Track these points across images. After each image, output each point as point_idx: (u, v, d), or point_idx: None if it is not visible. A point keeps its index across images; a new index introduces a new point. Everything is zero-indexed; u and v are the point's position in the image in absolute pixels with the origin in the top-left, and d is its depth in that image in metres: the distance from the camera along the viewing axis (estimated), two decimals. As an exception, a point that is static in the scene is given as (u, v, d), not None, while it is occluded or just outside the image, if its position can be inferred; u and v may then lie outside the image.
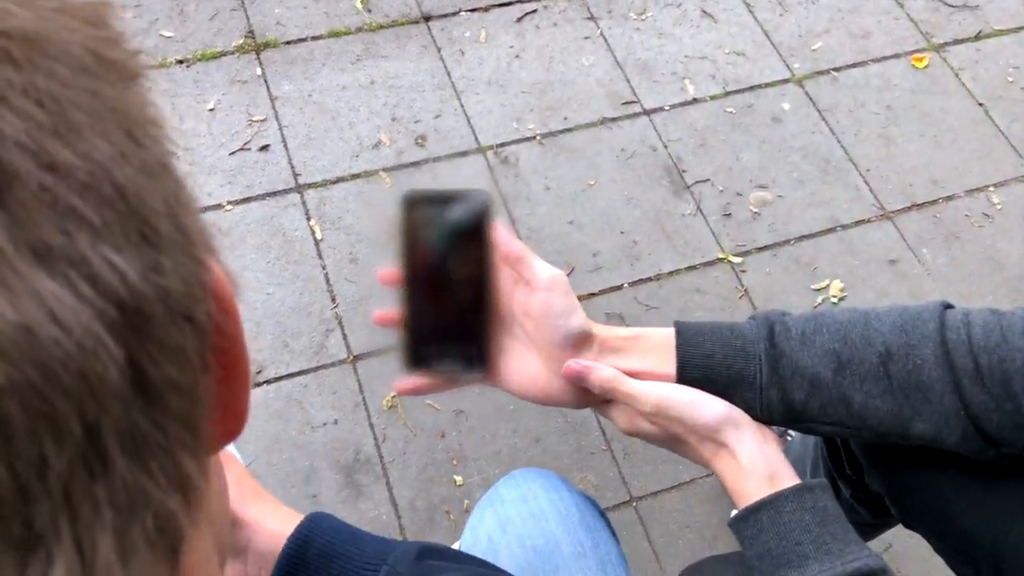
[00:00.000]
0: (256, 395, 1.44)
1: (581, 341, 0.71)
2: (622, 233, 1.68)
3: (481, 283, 0.68)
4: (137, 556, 0.22)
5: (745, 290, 1.63)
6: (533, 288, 0.70)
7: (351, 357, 1.48)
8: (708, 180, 1.76)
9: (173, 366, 0.23)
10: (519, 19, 1.94)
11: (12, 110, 0.21)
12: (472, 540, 0.83)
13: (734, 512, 0.70)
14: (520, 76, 1.86)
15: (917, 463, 0.78)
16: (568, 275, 1.58)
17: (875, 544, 1.30)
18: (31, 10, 0.23)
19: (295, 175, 1.68)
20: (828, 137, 1.85)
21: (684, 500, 1.42)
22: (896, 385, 0.68)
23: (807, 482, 0.69)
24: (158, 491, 0.23)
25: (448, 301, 0.69)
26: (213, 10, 1.86)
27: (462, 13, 1.92)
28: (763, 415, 0.71)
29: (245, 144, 1.70)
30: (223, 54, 1.82)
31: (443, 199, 0.67)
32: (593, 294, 1.60)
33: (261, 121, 1.74)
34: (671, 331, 0.72)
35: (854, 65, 1.96)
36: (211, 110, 1.74)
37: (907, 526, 0.86)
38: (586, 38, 1.93)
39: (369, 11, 1.91)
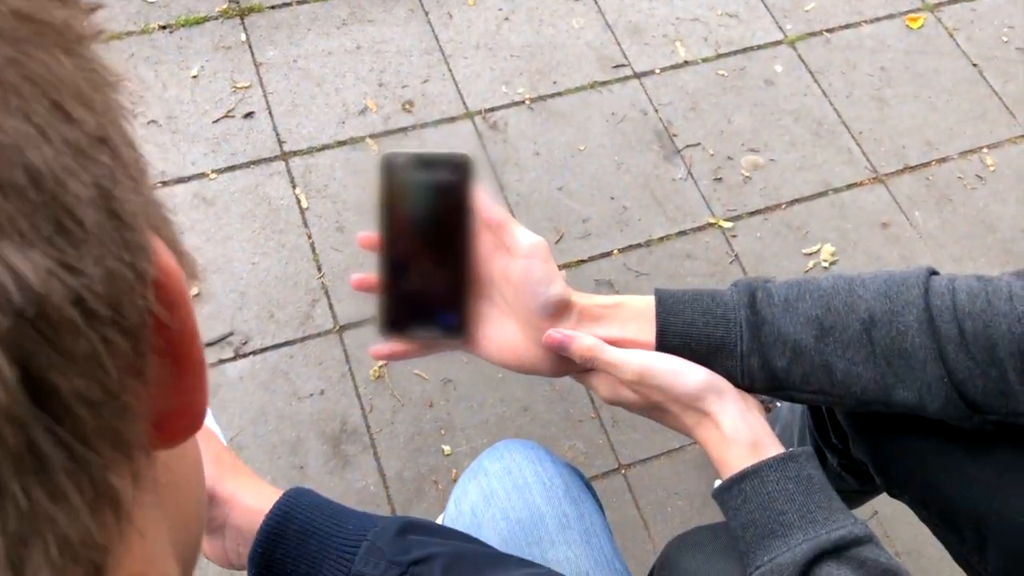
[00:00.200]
0: (242, 366, 1.43)
1: (560, 309, 0.70)
2: (612, 198, 1.66)
3: (461, 248, 0.68)
4: None
5: (736, 255, 1.62)
6: (513, 255, 0.69)
7: (337, 327, 1.47)
8: (699, 144, 1.74)
9: (85, 377, 0.21)
10: (507, -19, 1.91)
11: None
12: (456, 512, 0.83)
13: (717, 482, 0.70)
14: (509, 39, 1.83)
15: (901, 431, 0.77)
16: (557, 242, 1.58)
17: (862, 510, 1.30)
18: None
19: (280, 142, 1.65)
20: (820, 99, 1.82)
21: (673, 467, 1.42)
22: (879, 352, 0.67)
23: (791, 451, 0.68)
24: (66, 513, 0.20)
25: (427, 266, 0.68)
26: (194, -26, 1.83)
27: (449, -25, 1.89)
28: (744, 383, 0.70)
29: (229, 111, 1.68)
30: (207, 19, 1.78)
31: (425, 161, 0.66)
32: (583, 260, 1.59)
33: (245, 88, 1.71)
34: (651, 299, 0.72)
35: (847, 26, 1.93)
36: (194, 77, 1.71)
37: (892, 494, 0.86)
38: (576, 0, 1.90)
39: (354, -26, 1.87)
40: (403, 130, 1.69)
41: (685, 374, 0.69)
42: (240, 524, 0.65)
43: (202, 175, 1.60)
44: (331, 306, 1.49)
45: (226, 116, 1.67)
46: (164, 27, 1.76)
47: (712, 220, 1.66)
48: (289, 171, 1.62)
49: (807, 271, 1.61)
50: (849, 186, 1.73)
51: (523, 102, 1.75)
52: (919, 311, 0.67)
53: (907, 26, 1.95)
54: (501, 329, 0.71)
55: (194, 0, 1.80)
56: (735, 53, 1.87)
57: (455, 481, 0.85)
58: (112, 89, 0.25)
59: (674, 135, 1.74)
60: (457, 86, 1.75)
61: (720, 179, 1.70)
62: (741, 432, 0.68)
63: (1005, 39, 1.95)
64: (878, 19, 1.95)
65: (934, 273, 0.71)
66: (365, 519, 0.64)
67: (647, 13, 1.90)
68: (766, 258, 1.63)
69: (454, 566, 0.58)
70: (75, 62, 0.23)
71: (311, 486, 0.68)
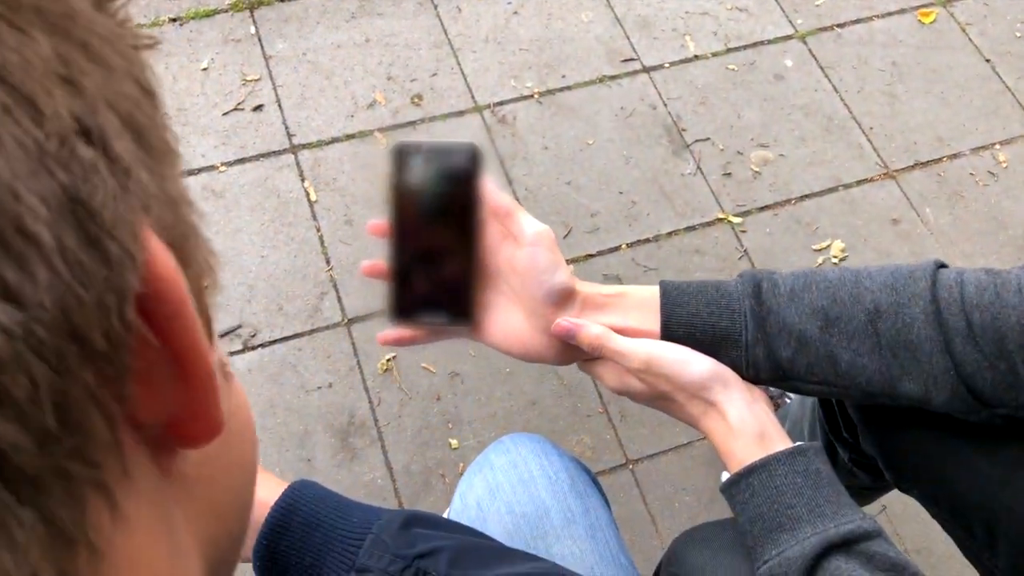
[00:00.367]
0: (250, 359, 1.43)
1: (565, 297, 0.70)
2: (621, 193, 1.65)
3: (469, 237, 0.68)
4: None
5: (745, 251, 1.62)
6: (519, 243, 0.69)
7: (345, 320, 1.47)
8: (708, 139, 1.73)
9: (19, 423, 0.18)
10: (517, -26, 1.90)
11: None
12: (461, 506, 0.83)
13: (725, 475, 0.70)
14: (518, 33, 1.82)
15: (910, 425, 0.77)
16: (565, 236, 1.57)
17: (872, 507, 1.29)
18: None
19: (289, 135, 1.65)
20: (831, 94, 1.81)
21: (680, 463, 1.42)
22: (884, 343, 0.67)
23: (799, 445, 0.68)
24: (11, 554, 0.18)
25: (435, 254, 0.69)
26: (204, -33, 1.83)
27: (458, -32, 1.89)
28: (750, 373, 0.70)
29: (239, 104, 1.68)
30: (216, 12, 1.78)
31: (433, 151, 0.67)
32: (591, 255, 1.58)
33: (255, 81, 1.71)
34: (655, 289, 0.72)
35: (858, 21, 1.92)
36: (204, 69, 1.71)
37: (902, 489, 0.86)
38: (585, -6, 1.89)
39: (363, -33, 1.87)
40: (412, 124, 1.68)
41: (691, 363, 0.69)
42: (245, 516, 0.65)
43: (212, 168, 1.60)
44: (339, 299, 1.49)
45: (235, 109, 1.67)
46: (174, 20, 1.76)
47: (721, 215, 1.65)
48: (298, 164, 1.62)
49: (817, 267, 1.61)
50: (859, 182, 1.72)
51: (532, 96, 1.74)
52: (926, 303, 0.66)
53: (919, 21, 1.93)
54: (507, 316, 0.71)
55: (204, -7, 1.80)
56: (745, 47, 1.86)
57: (462, 474, 0.86)
58: (122, 58, 0.22)
59: (683, 130, 1.74)
60: (466, 80, 1.75)
61: (729, 174, 1.70)
62: (747, 423, 0.68)
63: (1018, 34, 1.93)
64: (890, 14, 1.94)
65: (942, 266, 0.70)
66: (370, 512, 0.64)
67: (656, 7, 1.89)
68: (775, 254, 1.62)
69: (459, 560, 0.57)
70: (58, 38, 0.20)
71: (319, 479, 0.68)
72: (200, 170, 1.60)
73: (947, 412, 0.70)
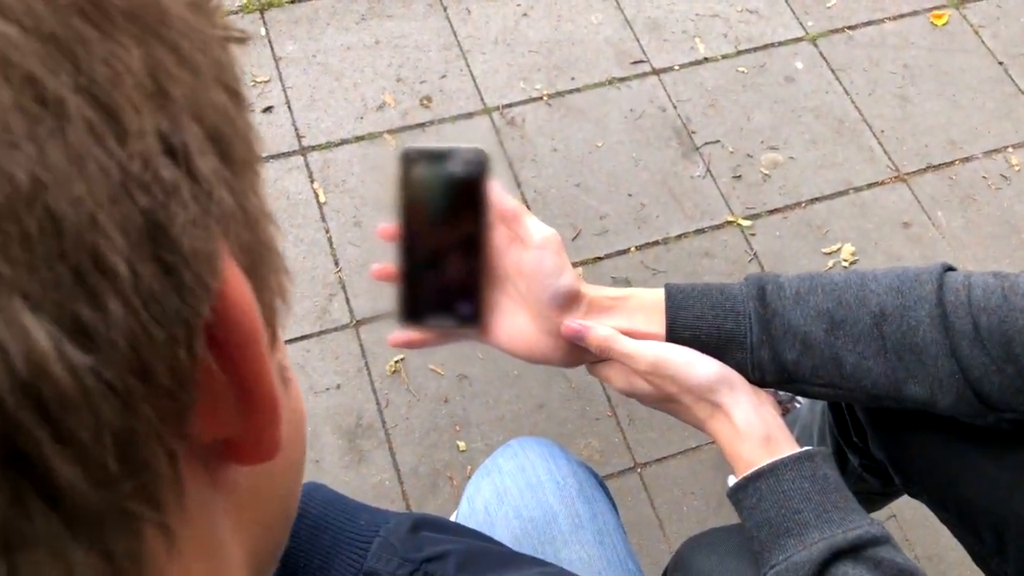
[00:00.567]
0: (259, 360, 1.43)
1: (570, 300, 0.70)
2: (630, 195, 1.65)
3: (477, 240, 0.69)
4: None
5: (755, 254, 1.61)
6: (526, 246, 0.69)
7: (354, 322, 1.47)
8: (718, 141, 1.73)
9: (83, 463, 0.17)
10: (526, -24, 1.90)
11: None
12: (469, 510, 0.83)
13: (731, 479, 0.69)
14: (527, 35, 1.82)
15: (918, 429, 0.77)
16: (574, 238, 1.57)
17: (881, 513, 1.28)
18: None
19: (299, 137, 1.66)
20: (842, 97, 1.81)
21: (689, 466, 1.41)
22: (890, 346, 0.67)
23: (807, 450, 0.67)
24: None
25: (444, 257, 0.69)
26: (215, -32, 1.83)
27: (468, -30, 1.89)
28: (755, 376, 0.70)
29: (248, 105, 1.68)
30: (227, 13, 1.79)
31: (441, 155, 0.68)
32: (599, 258, 1.58)
33: (265, 82, 1.71)
34: (661, 292, 0.72)
35: (870, 23, 1.91)
36: (213, 71, 1.71)
37: (911, 494, 0.85)
38: (595, -4, 1.89)
39: (373, -31, 1.87)
40: (421, 126, 1.69)
41: (698, 365, 0.69)
42: (253, 518, 0.65)
43: (220, 169, 1.61)
44: (348, 301, 1.49)
45: (245, 110, 1.67)
46: (184, 21, 1.77)
47: (731, 218, 1.64)
48: (307, 166, 1.62)
49: (827, 271, 1.60)
50: (870, 185, 1.71)
51: (541, 98, 1.74)
52: (931, 306, 0.66)
53: (931, 23, 1.92)
54: (513, 319, 0.72)
55: (214, -5, 1.80)
56: (755, 50, 1.85)
57: (470, 477, 0.86)
58: (212, 60, 0.21)
59: (693, 132, 1.73)
60: (475, 82, 1.75)
61: (739, 177, 1.69)
62: (754, 426, 0.68)
63: (1031, 37, 1.92)
64: (902, 16, 1.93)
65: (950, 269, 0.70)
66: (378, 515, 0.64)
67: (666, 9, 1.89)
68: (785, 257, 1.61)
69: (467, 564, 0.57)
70: (149, 46, 0.19)
71: (326, 480, 0.69)
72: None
73: (953, 416, 0.69)
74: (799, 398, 1.34)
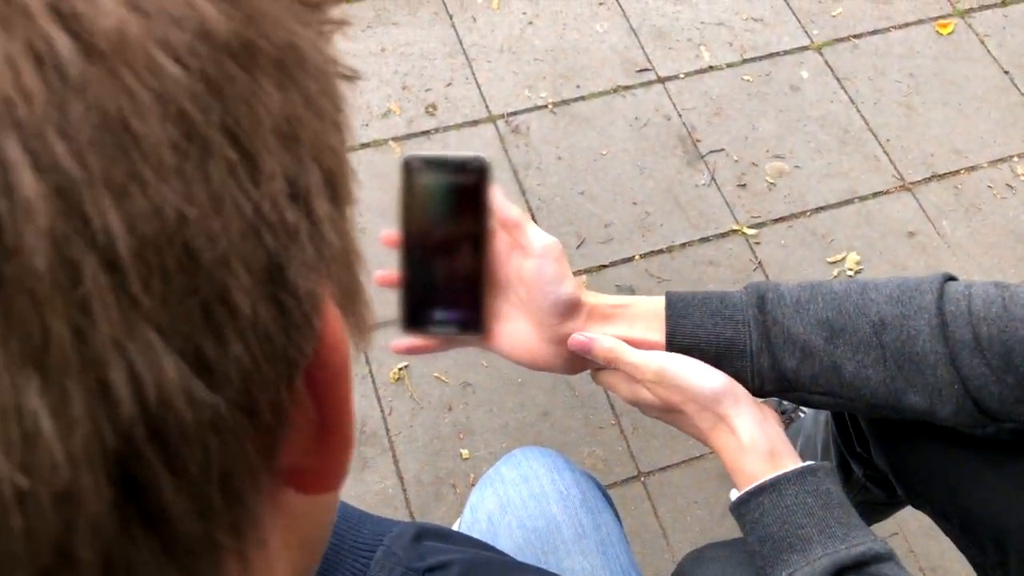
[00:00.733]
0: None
1: (571, 308, 0.70)
2: (634, 204, 1.65)
3: (478, 247, 0.69)
4: None
5: (760, 263, 1.61)
6: (527, 254, 0.70)
7: (359, 329, 1.47)
8: (723, 150, 1.73)
9: (191, 495, 0.17)
10: (532, -16, 1.90)
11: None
12: (472, 520, 0.83)
13: (733, 493, 0.69)
14: (533, 43, 1.83)
15: (919, 439, 0.77)
16: (578, 246, 1.57)
17: (886, 525, 1.28)
18: None
19: (304, 144, 1.66)
20: (847, 106, 1.81)
21: (693, 476, 1.41)
22: (889, 355, 0.67)
23: (809, 464, 0.67)
24: None
25: (446, 264, 0.70)
26: (222, -24, 1.84)
27: (474, -22, 1.89)
28: (755, 384, 0.70)
29: (254, 113, 1.68)
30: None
31: (443, 163, 0.68)
32: (604, 266, 1.58)
33: (270, 89, 1.72)
34: (661, 300, 0.72)
35: (875, 32, 1.91)
36: (220, 78, 1.72)
37: (915, 505, 0.85)
38: (600, 3, 1.89)
39: (379, -24, 1.88)
40: (426, 133, 1.69)
41: (703, 377, 0.69)
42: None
43: (226, 176, 1.61)
44: (352, 308, 1.49)
45: (251, 117, 1.68)
46: (191, 28, 1.77)
47: (736, 227, 1.64)
48: (312, 173, 1.63)
49: (826, 280, 1.60)
50: (875, 194, 1.71)
51: (546, 106, 1.75)
52: (930, 316, 0.66)
53: (937, 32, 1.92)
54: (515, 326, 0.72)
55: (221, 2, 1.81)
56: (760, 58, 1.85)
57: (473, 485, 0.86)
58: (332, 102, 0.21)
59: (698, 140, 1.73)
60: (480, 90, 1.75)
61: (744, 185, 1.69)
62: (757, 440, 0.68)
63: (1037, 46, 1.92)
64: (907, 24, 1.93)
65: (951, 279, 0.70)
66: (381, 524, 0.64)
67: (672, 17, 1.89)
68: (790, 266, 1.61)
69: (470, 573, 0.57)
70: (287, 90, 0.19)
71: (328, 490, 0.68)
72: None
73: (954, 426, 0.69)
74: (803, 409, 1.34)
